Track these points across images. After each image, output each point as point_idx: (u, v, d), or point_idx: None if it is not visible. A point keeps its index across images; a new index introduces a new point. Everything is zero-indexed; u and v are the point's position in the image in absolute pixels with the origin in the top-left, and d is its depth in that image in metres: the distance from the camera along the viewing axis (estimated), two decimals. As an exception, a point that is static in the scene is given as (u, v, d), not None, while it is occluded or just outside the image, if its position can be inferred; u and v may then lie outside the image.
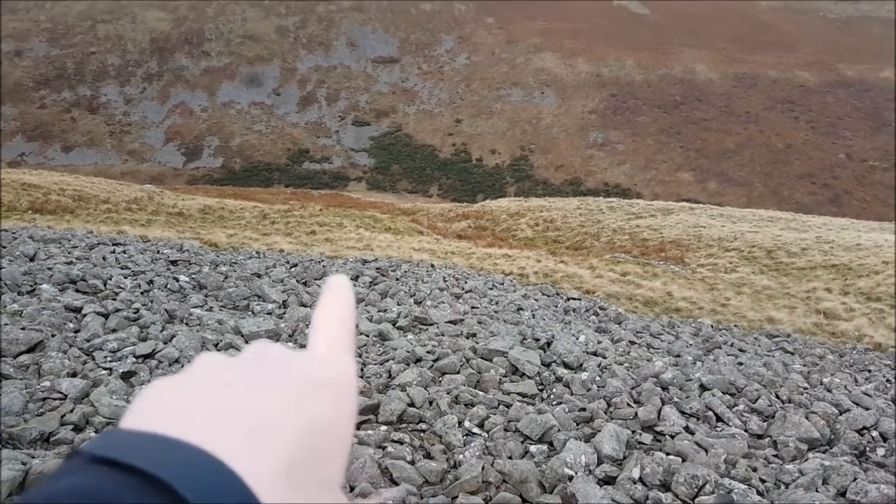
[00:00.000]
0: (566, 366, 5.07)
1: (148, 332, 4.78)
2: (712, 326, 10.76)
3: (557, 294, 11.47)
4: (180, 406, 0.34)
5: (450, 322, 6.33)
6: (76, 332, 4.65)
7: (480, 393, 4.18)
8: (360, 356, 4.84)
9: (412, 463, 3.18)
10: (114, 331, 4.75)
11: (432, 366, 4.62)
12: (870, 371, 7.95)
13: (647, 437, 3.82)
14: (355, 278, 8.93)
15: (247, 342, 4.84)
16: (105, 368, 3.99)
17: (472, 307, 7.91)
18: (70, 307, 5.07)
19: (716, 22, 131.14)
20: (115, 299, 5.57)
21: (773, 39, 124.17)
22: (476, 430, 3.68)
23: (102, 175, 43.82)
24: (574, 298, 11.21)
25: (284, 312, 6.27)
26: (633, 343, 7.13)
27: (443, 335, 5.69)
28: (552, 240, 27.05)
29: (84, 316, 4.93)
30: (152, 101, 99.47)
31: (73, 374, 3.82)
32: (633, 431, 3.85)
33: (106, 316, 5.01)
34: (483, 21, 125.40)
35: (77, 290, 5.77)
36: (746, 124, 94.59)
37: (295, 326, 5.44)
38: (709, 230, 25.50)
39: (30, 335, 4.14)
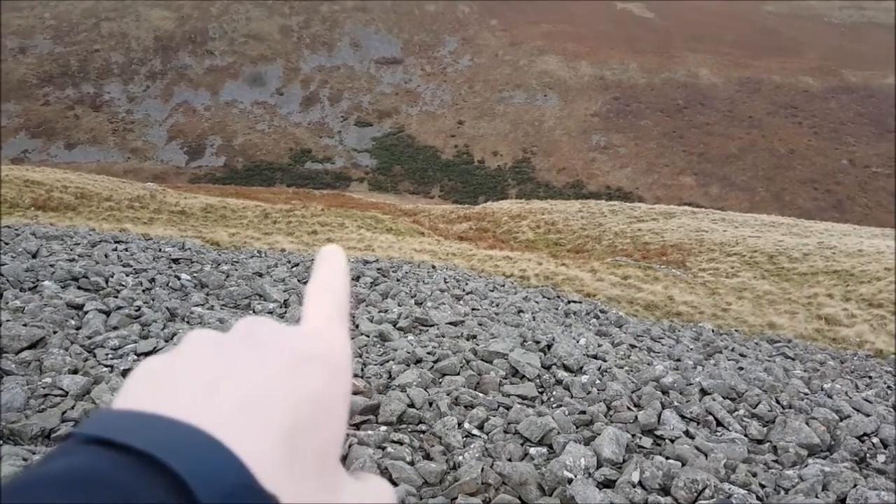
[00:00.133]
0: (566, 368, 5.07)
1: (149, 330, 4.79)
2: (713, 331, 10.75)
3: (558, 297, 11.46)
4: (172, 385, 0.34)
5: (450, 323, 6.33)
6: (78, 329, 4.66)
7: (480, 395, 4.18)
8: (360, 356, 4.84)
9: (412, 464, 3.18)
10: (115, 328, 4.75)
11: (432, 367, 4.62)
12: (871, 377, 7.95)
13: (646, 441, 3.82)
14: (356, 279, 8.93)
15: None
16: (106, 366, 4.00)
17: (473, 309, 7.91)
18: (72, 304, 5.08)
19: (720, 26, 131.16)
20: (116, 297, 5.58)
21: (777, 44, 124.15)
22: (476, 431, 3.68)
23: (105, 173, 43.87)
24: (575, 301, 11.20)
25: (286, 312, 6.28)
26: (633, 347, 7.12)
27: (443, 336, 5.69)
28: (553, 242, 27.04)
29: (86, 313, 4.94)
30: (155, 100, 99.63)
31: (75, 371, 3.82)
32: (633, 435, 3.85)
33: (107, 313, 5.02)
34: (486, 23, 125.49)
35: (79, 288, 5.78)
36: (749, 129, 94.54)
37: (296, 326, 5.43)
38: (710, 234, 25.48)
39: (31, 332, 4.14)
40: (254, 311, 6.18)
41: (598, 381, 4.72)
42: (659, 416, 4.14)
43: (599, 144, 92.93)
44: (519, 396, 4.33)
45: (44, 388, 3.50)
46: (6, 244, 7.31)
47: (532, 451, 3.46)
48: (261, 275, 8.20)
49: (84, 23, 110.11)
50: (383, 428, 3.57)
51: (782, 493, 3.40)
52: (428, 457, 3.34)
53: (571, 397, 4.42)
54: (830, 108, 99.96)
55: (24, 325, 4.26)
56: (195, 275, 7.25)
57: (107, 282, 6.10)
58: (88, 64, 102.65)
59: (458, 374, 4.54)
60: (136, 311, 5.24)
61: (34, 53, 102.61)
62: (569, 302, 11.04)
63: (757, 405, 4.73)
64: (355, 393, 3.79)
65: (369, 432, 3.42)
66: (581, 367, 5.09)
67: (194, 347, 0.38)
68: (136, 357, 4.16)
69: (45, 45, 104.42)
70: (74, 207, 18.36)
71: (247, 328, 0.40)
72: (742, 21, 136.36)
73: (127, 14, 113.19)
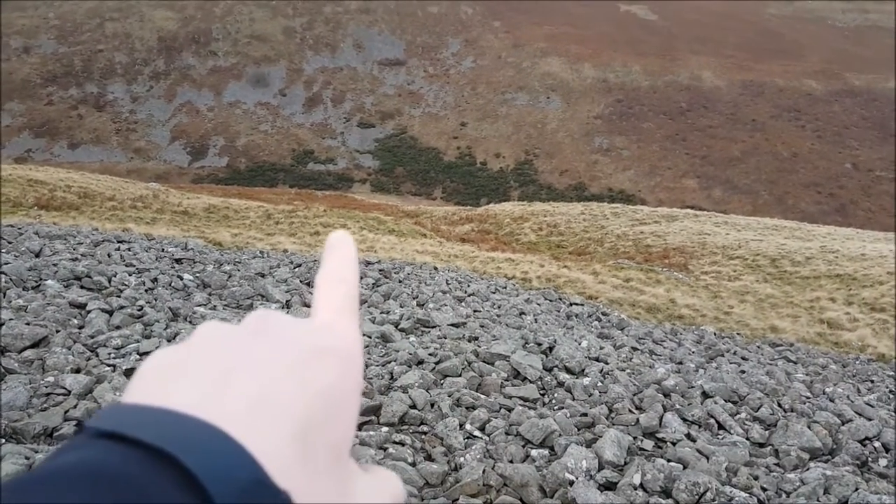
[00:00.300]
0: (568, 371, 5.06)
1: (152, 330, 4.80)
2: (715, 334, 10.74)
3: (560, 299, 11.46)
4: (183, 379, 0.34)
5: (452, 325, 6.33)
6: (80, 328, 4.67)
7: (482, 396, 4.18)
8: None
9: (413, 465, 3.19)
10: (118, 328, 4.77)
11: (434, 368, 4.62)
12: (873, 381, 7.93)
13: (648, 444, 3.82)
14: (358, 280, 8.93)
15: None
16: (109, 365, 4.00)
17: (475, 310, 7.92)
18: (74, 303, 5.09)
19: (723, 29, 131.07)
20: (119, 296, 5.59)
21: (780, 47, 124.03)
22: (477, 433, 3.68)
23: (108, 172, 43.98)
24: (577, 304, 11.20)
25: (288, 312, 6.28)
26: (635, 349, 7.12)
27: (445, 338, 5.70)
28: (555, 245, 27.04)
29: (88, 312, 4.95)
30: (159, 100, 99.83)
31: (77, 370, 3.83)
32: (635, 437, 3.85)
33: (110, 313, 5.03)
34: (490, 25, 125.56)
35: (82, 287, 5.79)
36: (752, 132, 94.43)
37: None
38: (713, 238, 25.46)
39: (34, 331, 4.16)
40: (256, 312, 6.19)
41: (599, 384, 4.72)
42: (660, 418, 4.14)
43: (602, 147, 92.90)
44: (520, 398, 4.33)
45: (46, 386, 3.51)
46: (9, 243, 7.33)
47: (533, 452, 3.46)
48: (263, 275, 8.22)
49: (88, 23, 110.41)
50: (385, 429, 3.57)
51: (784, 496, 3.39)
52: (429, 458, 3.34)
53: (573, 399, 4.42)
54: (834, 112, 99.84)
55: (27, 323, 4.27)
56: (198, 275, 7.26)
57: (109, 281, 6.11)
58: (92, 64, 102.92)
59: (460, 375, 4.54)
60: (139, 310, 5.25)
61: (38, 53, 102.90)
62: (571, 304, 11.04)
63: (759, 408, 4.73)
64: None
65: (371, 433, 3.42)
66: (583, 370, 5.09)
67: (205, 340, 0.37)
68: (138, 357, 4.17)
69: (49, 45, 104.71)
70: (77, 207, 18.40)
71: (258, 321, 0.39)
72: (745, 24, 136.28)
73: (131, 14, 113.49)
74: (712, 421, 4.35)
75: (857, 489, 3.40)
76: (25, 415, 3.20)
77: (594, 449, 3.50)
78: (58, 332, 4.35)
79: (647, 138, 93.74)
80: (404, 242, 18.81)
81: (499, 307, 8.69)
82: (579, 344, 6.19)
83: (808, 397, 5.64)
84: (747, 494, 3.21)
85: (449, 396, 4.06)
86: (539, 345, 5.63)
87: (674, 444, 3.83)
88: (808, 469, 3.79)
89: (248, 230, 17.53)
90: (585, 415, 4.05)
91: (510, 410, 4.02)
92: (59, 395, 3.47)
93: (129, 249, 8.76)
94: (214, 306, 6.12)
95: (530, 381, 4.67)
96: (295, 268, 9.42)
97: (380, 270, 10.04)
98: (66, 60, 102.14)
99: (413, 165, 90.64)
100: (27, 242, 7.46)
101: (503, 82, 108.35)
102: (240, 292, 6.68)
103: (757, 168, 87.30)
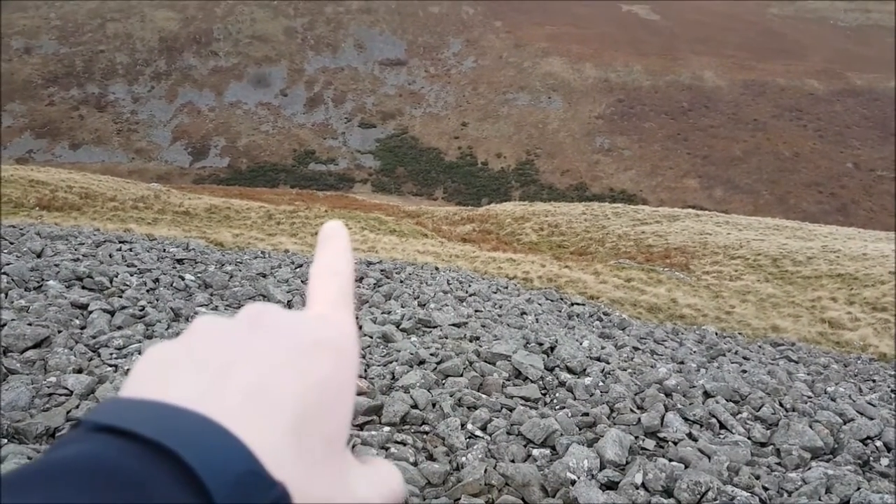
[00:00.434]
0: (569, 370, 5.06)
1: (153, 330, 4.81)
2: (716, 334, 10.73)
3: (561, 299, 11.46)
4: (180, 372, 0.34)
5: (453, 325, 6.33)
6: (82, 328, 4.68)
7: (483, 396, 4.18)
8: (363, 357, 4.85)
9: (415, 464, 3.19)
10: (119, 328, 4.77)
11: (435, 368, 4.62)
12: (874, 381, 7.92)
13: (650, 443, 3.82)
14: (359, 280, 8.94)
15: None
16: (110, 365, 4.01)
17: (476, 310, 7.92)
18: (76, 304, 5.10)
19: (725, 29, 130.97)
20: (121, 297, 5.60)
21: (782, 47, 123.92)
22: (479, 432, 3.69)
23: (109, 173, 44.04)
24: (578, 304, 11.20)
25: (289, 312, 6.28)
26: (636, 349, 7.12)
27: (446, 338, 5.70)
28: (557, 245, 27.03)
29: (90, 313, 4.96)
30: (160, 100, 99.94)
31: (79, 371, 3.84)
32: (636, 437, 3.85)
33: (112, 313, 5.04)
34: (491, 25, 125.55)
35: (83, 287, 5.80)
36: (754, 132, 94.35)
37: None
38: (714, 237, 25.44)
39: (36, 331, 4.16)
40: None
41: (601, 384, 4.72)
42: (662, 418, 4.14)
43: (603, 147, 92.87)
44: (522, 398, 4.33)
45: (48, 387, 3.52)
46: (11, 244, 7.34)
47: (535, 452, 3.46)
48: (264, 276, 8.22)
49: (89, 23, 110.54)
50: (386, 429, 3.57)
51: (785, 495, 3.39)
52: (431, 458, 3.34)
53: (574, 399, 4.42)
54: (835, 112, 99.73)
55: (29, 324, 4.28)
56: (199, 275, 7.27)
57: (111, 282, 6.12)
58: (93, 64, 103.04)
59: (462, 375, 4.54)
60: (141, 310, 5.26)
61: (39, 54, 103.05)
62: (572, 304, 11.04)
63: (760, 408, 4.73)
64: (359, 394, 3.80)
65: (372, 433, 3.42)
66: (584, 370, 5.09)
67: (201, 334, 0.37)
68: (140, 357, 4.17)
69: (51, 46, 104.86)
70: (79, 207, 18.43)
71: (253, 314, 0.40)
72: (747, 23, 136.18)
73: (132, 15, 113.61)
74: (714, 420, 4.35)
75: (858, 488, 3.39)
76: (28, 415, 3.20)
77: (596, 448, 3.50)
78: (60, 332, 4.36)
79: (649, 138, 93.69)
80: (405, 243, 18.82)
81: (500, 307, 8.69)
82: (581, 344, 6.19)
83: (809, 397, 5.64)
84: (749, 494, 3.21)
85: (450, 396, 4.06)
86: (540, 345, 5.63)
87: (675, 443, 3.83)
88: (809, 468, 3.79)
89: (250, 230, 17.55)
90: (587, 414, 4.05)
91: (512, 410, 4.02)
92: (61, 395, 3.48)
93: (130, 250, 8.76)
94: (216, 307, 6.13)
95: (532, 381, 4.67)
96: (296, 268, 9.42)
97: (381, 270, 10.05)
98: (67, 61, 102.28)
99: (414, 165, 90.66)
100: (29, 243, 7.47)
101: (504, 82, 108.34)
102: (241, 293, 6.69)
103: (758, 168, 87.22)
